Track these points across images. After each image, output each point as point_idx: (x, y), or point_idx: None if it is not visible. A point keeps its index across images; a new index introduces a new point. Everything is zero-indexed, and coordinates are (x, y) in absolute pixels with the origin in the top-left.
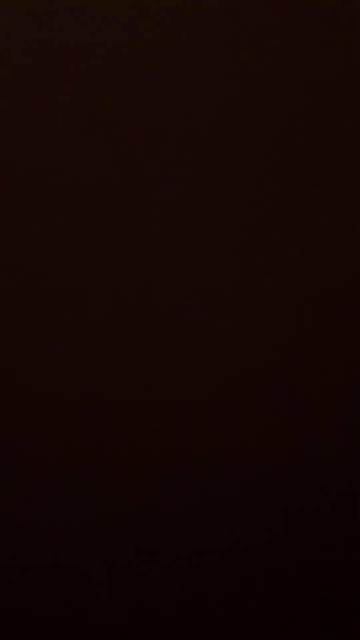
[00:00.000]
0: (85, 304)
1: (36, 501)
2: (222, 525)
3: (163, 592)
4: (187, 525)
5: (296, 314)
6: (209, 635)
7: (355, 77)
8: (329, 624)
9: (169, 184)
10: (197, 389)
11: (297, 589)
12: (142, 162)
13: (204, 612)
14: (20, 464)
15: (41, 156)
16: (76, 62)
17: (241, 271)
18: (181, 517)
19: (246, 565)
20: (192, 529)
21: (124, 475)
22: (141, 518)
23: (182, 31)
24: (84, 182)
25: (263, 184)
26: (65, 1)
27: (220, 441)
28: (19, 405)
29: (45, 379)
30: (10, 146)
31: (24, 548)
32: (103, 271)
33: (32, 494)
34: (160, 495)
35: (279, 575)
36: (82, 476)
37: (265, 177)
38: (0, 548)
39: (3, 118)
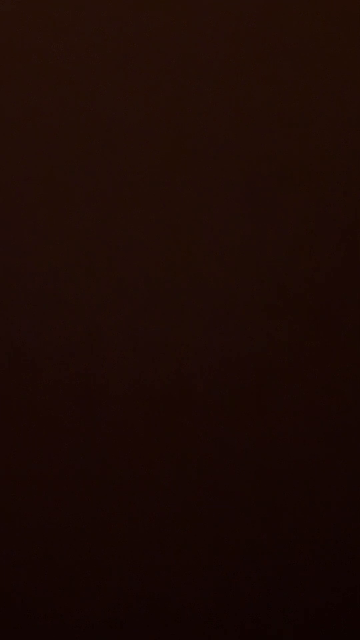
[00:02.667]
0: (86, 299)
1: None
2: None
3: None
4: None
5: (298, 312)
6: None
7: (356, 76)
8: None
9: (170, 184)
10: (197, 390)
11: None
12: (143, 159)
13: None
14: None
15: (42, 155)
16: (76, 63)
17: (242, 270)
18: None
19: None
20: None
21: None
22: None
23: (182, 31)
24: (85, 182)
25: (264, 185)
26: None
27: (221, 440)
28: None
29: (42, 381)
30: (11, 147)
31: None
32: (103, 267)
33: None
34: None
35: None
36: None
37: (266, 178)
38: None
39: (4, 118)
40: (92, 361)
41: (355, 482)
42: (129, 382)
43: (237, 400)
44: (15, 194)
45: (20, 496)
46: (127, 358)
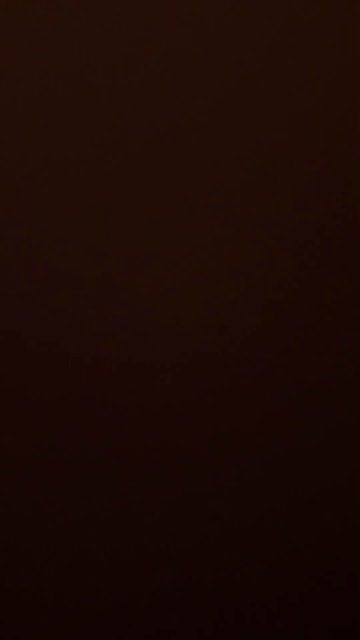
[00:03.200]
0: (83, 296)
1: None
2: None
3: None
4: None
5: (296, 311)
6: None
7: (356, 75)
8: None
9: (169, 183)
10: (194, 388)
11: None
12: (142, 156)
13: (204, 612)
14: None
15: (41, 151)
16: (75, 60)
17: (240, 268)
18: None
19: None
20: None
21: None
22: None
23: (182, 28)
24: (82, 181)
25: (262, 184)
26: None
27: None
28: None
29: (43, 372)
30: (11, 146)
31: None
32: (102, 266)
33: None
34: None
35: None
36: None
37: (264, 176)
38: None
39: (4, 117)
40: (92, 349)
41: (351, 476)
42: (127, 371)
43: (233, 390)
44: (14, 188)
45: (18, 483)
46: (126, 346)
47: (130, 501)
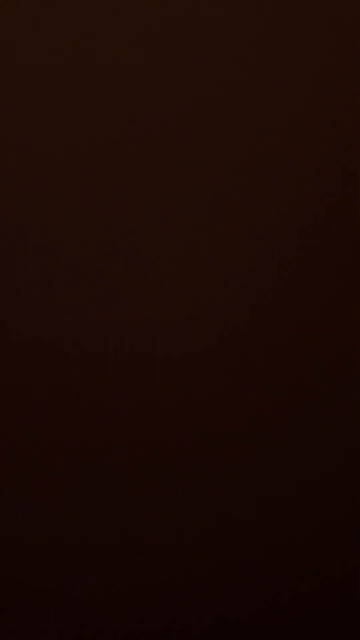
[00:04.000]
0: (85, 289)
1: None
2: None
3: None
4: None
5: (295, 307)
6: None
7: (355, 75)
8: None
9: (168, 179)
10: (193, 385)
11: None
12: (141, 149)
13: (203, 606)
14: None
15: (42, 148)
16: (75, 60)
17: (240, 264)
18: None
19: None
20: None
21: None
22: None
23: (181, 27)
24: (84, 177)
25: (260, 182)
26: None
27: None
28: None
29: (44, 362)
30: (11, 144)
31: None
32: (104, 260)
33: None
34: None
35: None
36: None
37: (263, 174)
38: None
39: (4, 115)
40: (89, 343)
41: (350, 472)
42: (126, 365)
43: (232, 384)
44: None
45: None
46: (124, 340)
47: (128, 498)
